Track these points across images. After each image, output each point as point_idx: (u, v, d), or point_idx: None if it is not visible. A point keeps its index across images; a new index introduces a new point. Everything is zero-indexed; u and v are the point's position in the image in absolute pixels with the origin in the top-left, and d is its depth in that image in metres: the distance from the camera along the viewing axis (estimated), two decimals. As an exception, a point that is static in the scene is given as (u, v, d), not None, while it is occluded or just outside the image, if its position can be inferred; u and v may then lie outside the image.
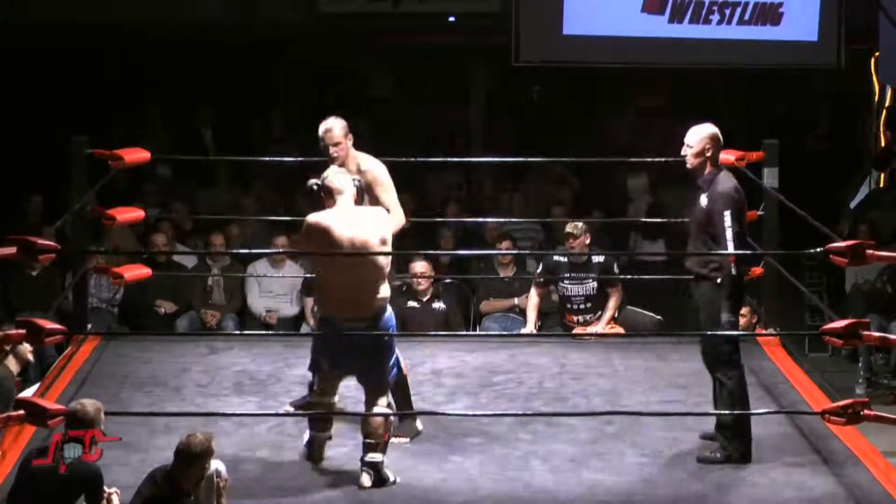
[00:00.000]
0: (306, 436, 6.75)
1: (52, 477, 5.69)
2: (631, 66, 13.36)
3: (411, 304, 9.87)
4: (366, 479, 6.48)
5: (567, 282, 9.17)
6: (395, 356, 6.72)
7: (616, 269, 9.38)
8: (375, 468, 6.49)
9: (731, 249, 6.57)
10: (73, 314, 8.69)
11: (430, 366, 8.23)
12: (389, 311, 6.61)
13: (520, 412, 7.42)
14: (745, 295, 6.85)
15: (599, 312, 9.22)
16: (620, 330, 9.21)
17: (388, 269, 6.60)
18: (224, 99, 13.83)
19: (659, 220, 10.96)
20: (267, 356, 8.22)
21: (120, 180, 11.02)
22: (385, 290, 6.57)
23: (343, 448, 6.82)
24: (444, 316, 9.87)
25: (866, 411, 6.22)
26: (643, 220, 11.96)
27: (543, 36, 13.07)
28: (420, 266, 9.88)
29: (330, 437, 6.74)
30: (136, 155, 8.65)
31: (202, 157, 12.65)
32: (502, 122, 14.54)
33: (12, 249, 6.39)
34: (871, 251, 6.37)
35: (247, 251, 9.59)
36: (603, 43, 13.10)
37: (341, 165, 6.89)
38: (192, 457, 5.76)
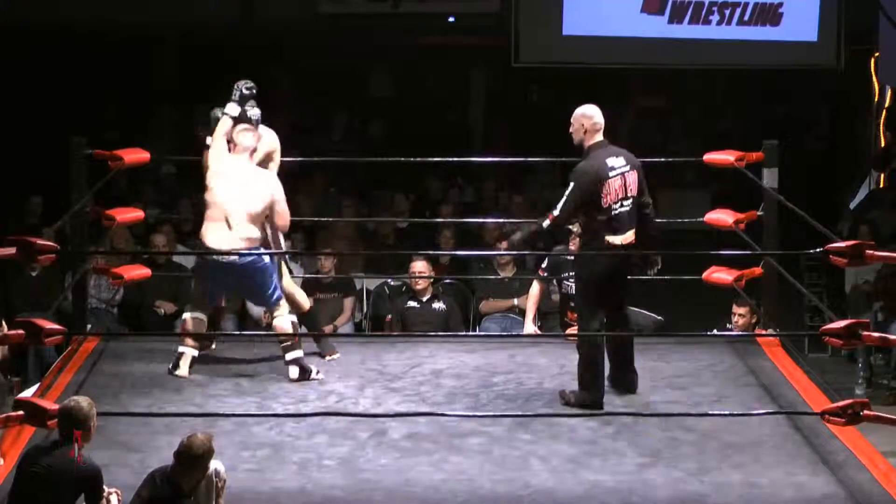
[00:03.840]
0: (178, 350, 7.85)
1: (52, 477, 5.69)
2: (631, 66, 13.37)
3: (411, 304, 9.88)
4: (293, 372, 7.75)
5: (570, 280, 9.14)
6: (275, 285, 7.89)
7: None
8: (297, 362, 7.76)
9: (555, 214, 7.26)
10: (73, 314, 8.68)
11: (429, 366, 8.22)
12: (266, 259, 7.84)
13: (520, 412, 7.42)
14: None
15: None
16: None
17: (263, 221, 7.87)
18: (223, 99, 13.82)
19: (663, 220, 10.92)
20: (266, 356, 8.21)
21: (120, 181, 11.02)
22: (256, 235, 7.86)
23: (342, 448, 6.82)
24: (443, 316, 9.87)
25: (866, 411, 6.23)
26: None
27: (543, 36, 13.09)
28: (420, 266, 9.88)
29: (196, 356, 7.86)
30: (136, 155, 8.68)
31: (201, 158, 12.62)
32: (502, 122, 14.54)
33: (12, 249, 6.40)
34: (870, 251, 6.37)
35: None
36: (603, 43, 13.12)
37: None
38: (193, 458, 5.75)
